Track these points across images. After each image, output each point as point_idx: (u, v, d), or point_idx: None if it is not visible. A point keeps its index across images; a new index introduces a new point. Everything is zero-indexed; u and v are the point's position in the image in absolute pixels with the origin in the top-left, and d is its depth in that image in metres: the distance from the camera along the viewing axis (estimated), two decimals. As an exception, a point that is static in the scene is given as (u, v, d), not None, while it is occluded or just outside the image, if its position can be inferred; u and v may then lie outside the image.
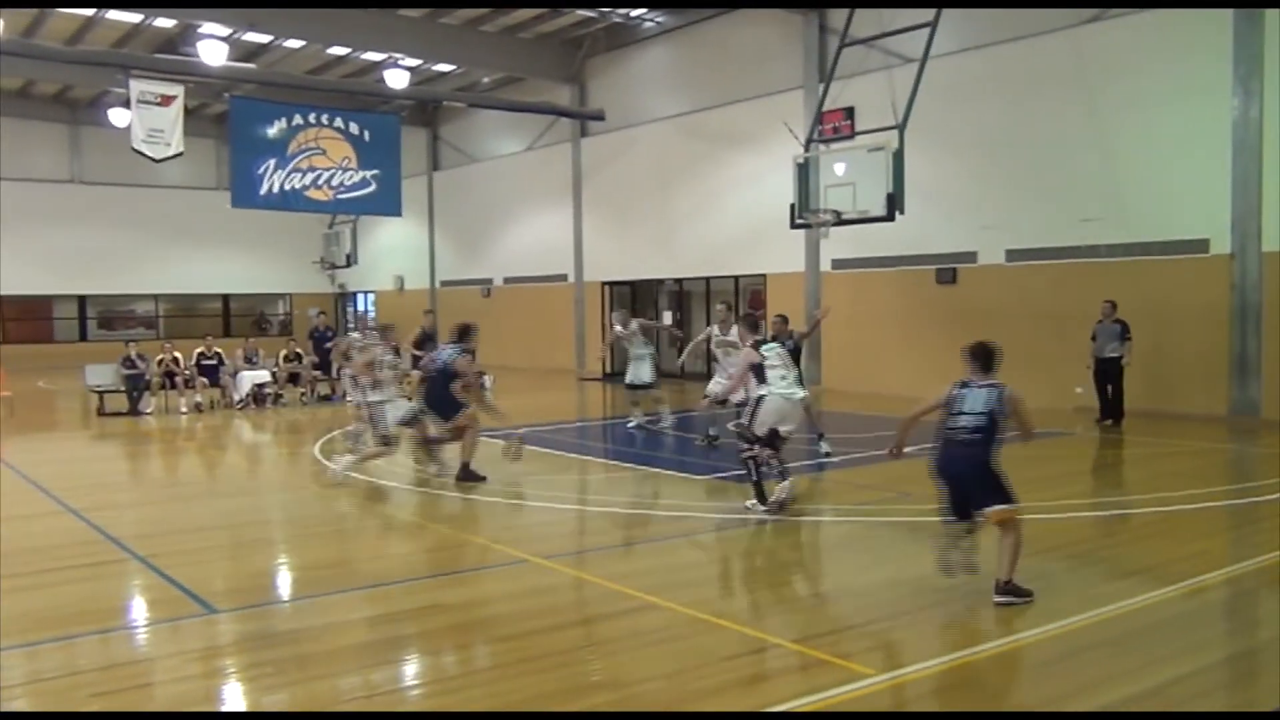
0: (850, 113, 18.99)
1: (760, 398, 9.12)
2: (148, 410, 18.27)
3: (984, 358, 6.84)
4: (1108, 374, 15.08)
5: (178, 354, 19.19)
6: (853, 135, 18.22)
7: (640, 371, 14.86)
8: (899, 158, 14.78)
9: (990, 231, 18.06)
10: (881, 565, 7.66)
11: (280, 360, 20.15)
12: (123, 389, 18.35)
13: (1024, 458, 12.00)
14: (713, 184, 23.42)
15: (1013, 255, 17.84)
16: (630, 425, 14.95)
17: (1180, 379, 15.66)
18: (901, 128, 15.00)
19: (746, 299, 23.48)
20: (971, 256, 18.47)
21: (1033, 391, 17.61)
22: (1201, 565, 7.03)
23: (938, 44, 15.72)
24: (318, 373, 20.32)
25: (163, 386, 18.78)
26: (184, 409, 18.38)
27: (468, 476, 10.64)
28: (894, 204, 14.73)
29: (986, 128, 18.05)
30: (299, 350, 20.71)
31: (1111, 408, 15.11)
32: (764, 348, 9.38)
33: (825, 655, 5.34)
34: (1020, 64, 17.50)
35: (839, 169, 15.77)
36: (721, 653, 5.40)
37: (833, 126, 18.90)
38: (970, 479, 6.41)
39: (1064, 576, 6.94)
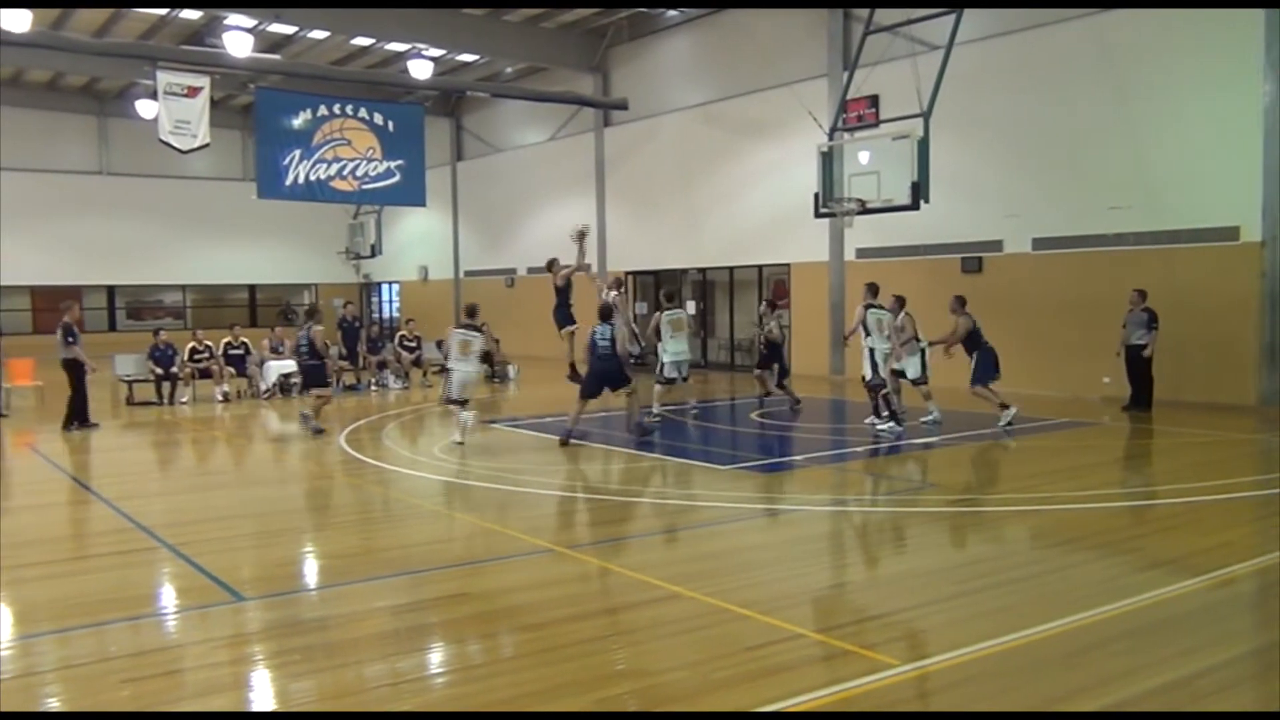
0: (875, 101, 18.86)
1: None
2: (184, 400, 18.45)
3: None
4: (1133, 362, 15.05)
5: (209, 342, 19.29)
6: (877, 123, 18.09)
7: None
8: (924, 146, 14.67)
9: (1016, 220, 17.93)
10: (906, 555, 7.65)
11: (306, 350, 20.23)
12: (150, 378, 18.52)
13: (1052, 448, 11.99)
14: (736, 173, 23.36)
15: (1039, 244, 17.70)
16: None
17: (1209, 368, 15.50)
18: (926, 115, 14.89)
19: (771, 288, 23.43)
20: (997, 245, 18.34)
21: (1060, 380, 17.71)
22: (1229, 556, 6.97)
23: (963, 31, 15.58)
24: (345, 363, 20.41)
25: (193, 375, 18.91)
26: (219, 397, 18.54)
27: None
28: (919, 192, 14.63)
29: (1012, 115, 17.89)
30: (326, 340, 20.78)
31: (1138, 396, 15.08)
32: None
33: (849, 645, 5.33)
34: (1047, 50, 17.33)
35: (863, 157, 15.68)
36: (745, 642, 5.40)
37: (857, 115, 18.78)
38: None
39: (1090, 567, 6.90)
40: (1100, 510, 8.67)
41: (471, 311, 13.19)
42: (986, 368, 13.74)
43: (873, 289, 13.96)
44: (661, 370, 14.98)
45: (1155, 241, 16.03)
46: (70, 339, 14.64)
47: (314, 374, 14.65)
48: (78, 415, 14.87)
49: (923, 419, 13.67)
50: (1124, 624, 5.63)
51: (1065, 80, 17.09)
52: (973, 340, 13.79)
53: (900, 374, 13.91)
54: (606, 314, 13.15)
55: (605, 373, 12.74)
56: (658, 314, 15.11)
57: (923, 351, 13.87)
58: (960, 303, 13.95)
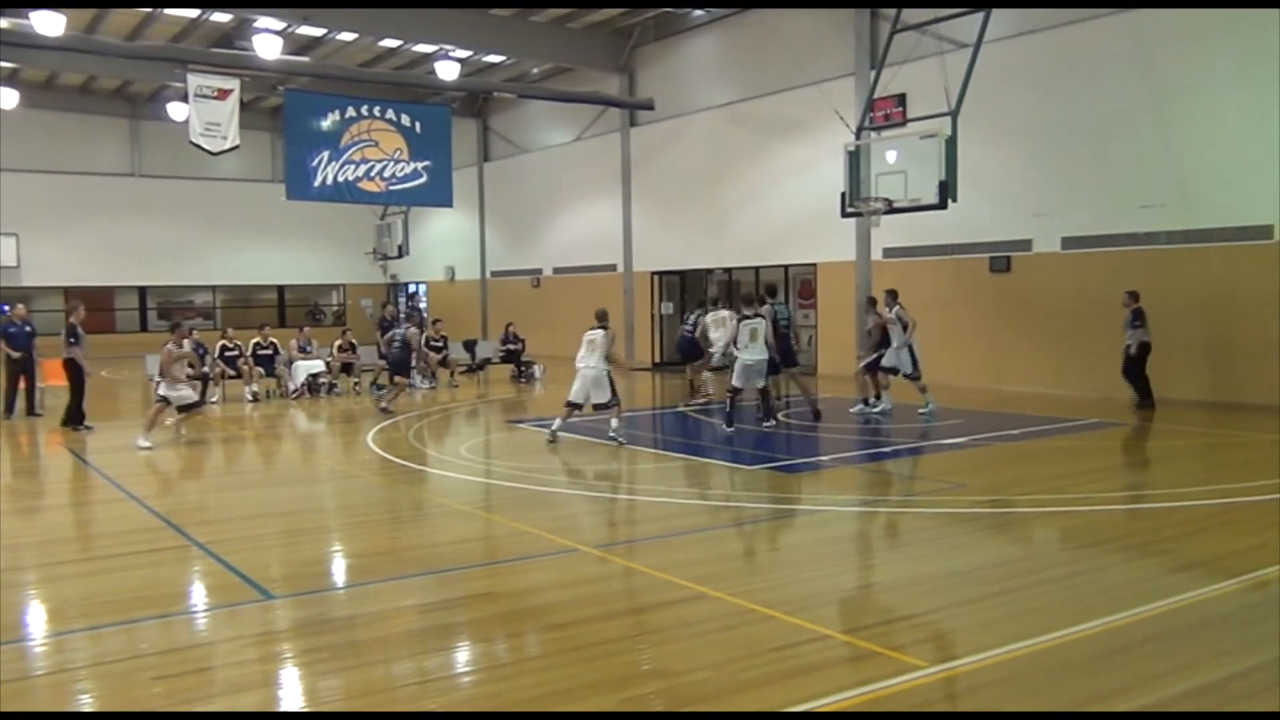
0: (902, 99, 18.78)
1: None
2: (213, 399, 18.61)
3: None
4: (1126, 362, 15.37)
5: (238, 341, 19.43)
6: (904, 122, 18.02)
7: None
8: (952, 145, 14.60)
9: (1045, 219, 17.77)
10: (934, 556, 7.59)
11: (334, 350, 20.39)
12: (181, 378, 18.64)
13: (1081, 449, 11.88)
14: (763, 173, 23.31)
15: (1069, 243, 17.54)
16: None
17: (1241, 368, 15.32)
18: (954, 114, 14.81)
19: (797, 288, 23.38)
20: (1026, 245, 18.19)
21: (1089, 381, 17.56)
22: (1263, 558, 6.88)
23: (992, 28, 15.49)
24: (383, 362, 20.49)
25: (223, 375, 19.05)
26: (248, 396, 18.69)
27: None
28: (946, 192, 14.56)
29: (1042, 113, 17.75)
30: (353, 340, 20.94)
31: (1142, 396, 15.39)
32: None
33: (876, 647, 5.31)
34: (1076, 48, 17.18)
35: (890, 157, 15.63)
36: (771, 643, 5.39)
37: (884, 114, 18.71)
38: None
39: (1121, 569, 6.84)
40: (1131, 511, 8.59)
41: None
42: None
43: (760, 299, 14.41)
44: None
45: (1187, 240, 15.85)
46: (72, 340, 14.78)
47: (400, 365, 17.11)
48: (73, 415, 14.96)
49: (920, 410, 14.37)
50: (1155, 626, 5.58)
51: (1095, 78, 16.93)
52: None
53: (892, 370, 14.61)
54: (762, 301, 14.24)
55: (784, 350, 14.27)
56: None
57: (910, 347, 14.44)
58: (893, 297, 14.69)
